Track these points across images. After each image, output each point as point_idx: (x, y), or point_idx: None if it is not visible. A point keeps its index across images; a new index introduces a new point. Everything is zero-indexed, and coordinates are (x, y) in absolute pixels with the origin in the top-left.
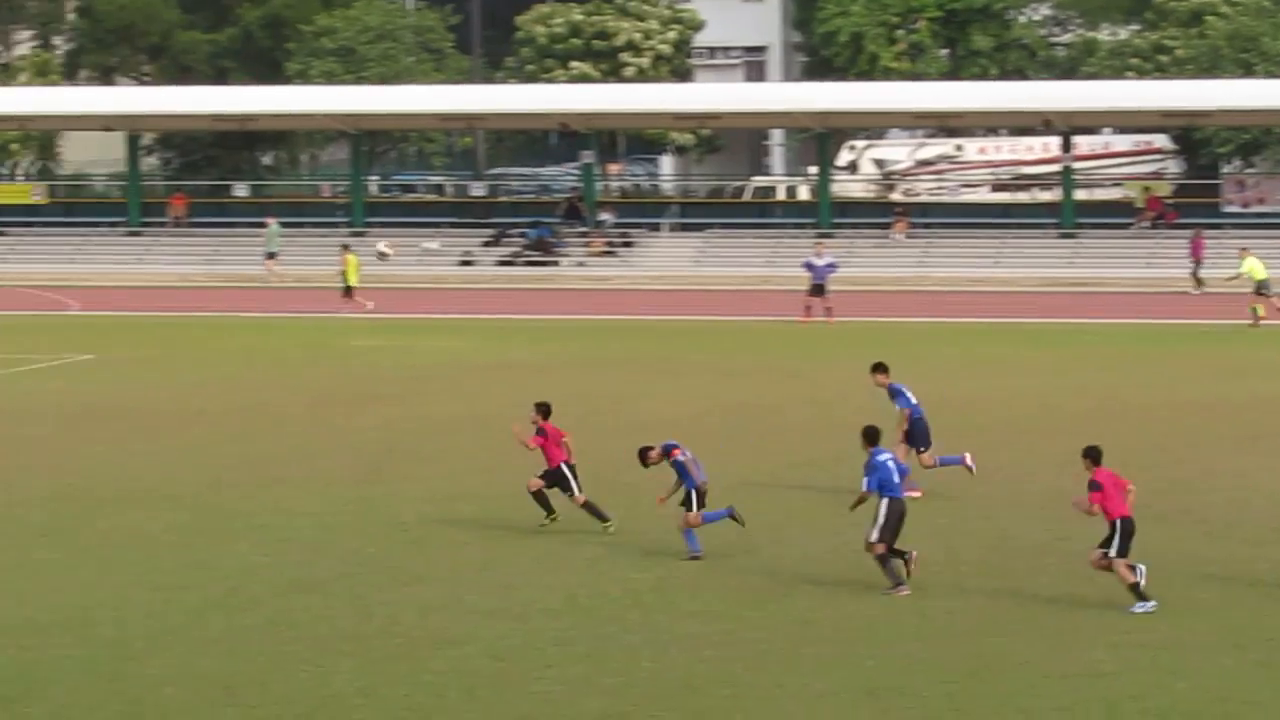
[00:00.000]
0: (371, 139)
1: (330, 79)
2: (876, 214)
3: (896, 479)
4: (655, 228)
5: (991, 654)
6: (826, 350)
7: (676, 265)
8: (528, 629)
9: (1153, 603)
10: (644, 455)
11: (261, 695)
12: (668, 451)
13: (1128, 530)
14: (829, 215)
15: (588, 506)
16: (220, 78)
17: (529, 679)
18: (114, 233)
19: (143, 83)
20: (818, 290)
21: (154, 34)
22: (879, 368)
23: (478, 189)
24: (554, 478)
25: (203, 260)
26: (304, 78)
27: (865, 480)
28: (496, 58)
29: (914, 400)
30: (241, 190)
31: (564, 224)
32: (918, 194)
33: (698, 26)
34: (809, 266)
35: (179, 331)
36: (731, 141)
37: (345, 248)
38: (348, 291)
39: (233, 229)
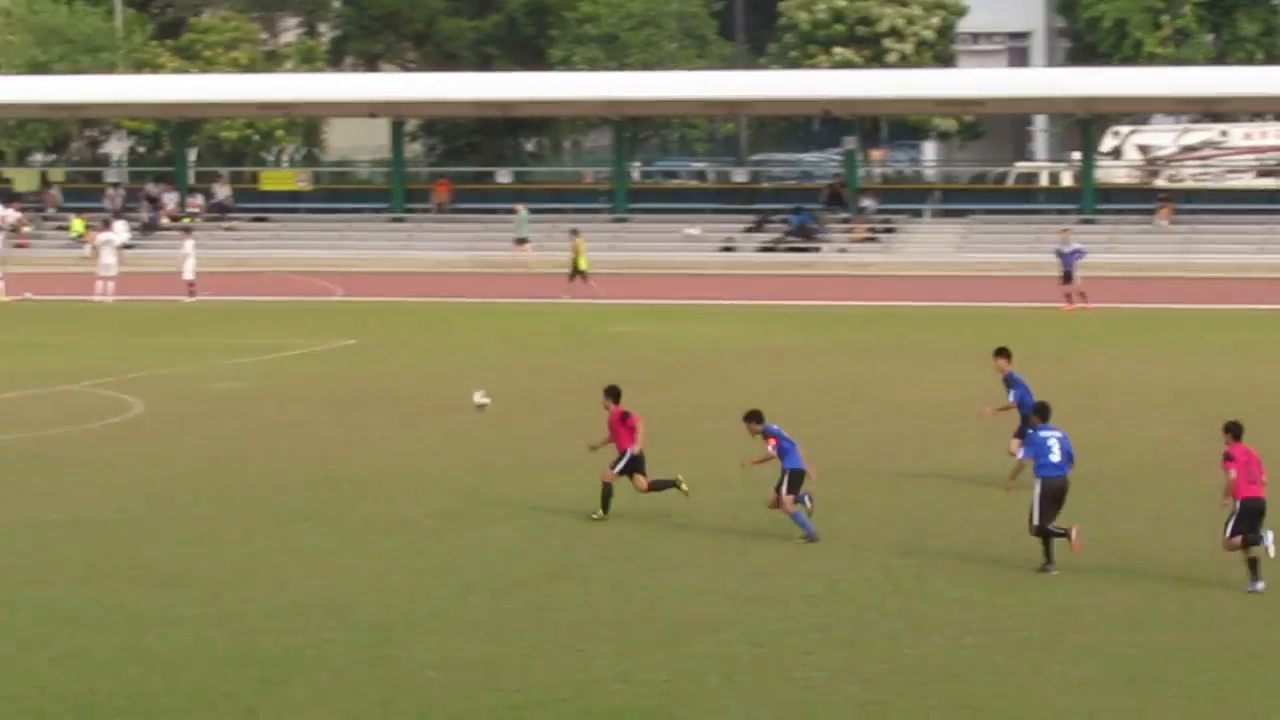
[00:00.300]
0: (634, 125)
1: (593, 65)
2: (1140, 200)
3: (1055, 457)
4: (917, 214)
5: (1256, 644)
6: (1090, 336)
7: (938, 252)
8: (788, 615)
9: (1261, 583)
10: (749, 420)
11: (522, 679)
12: (767, 435)
13: (1247, 510)
14: (1093, 201)
15: (654, 484)
16: (484, 64)
17: (789, 665)
18: (378, 219)
19: (407, 69)
20: (1067, 278)
21: (418, 21)
22: (1001, 352)
23: (740, 175)
24: (628, 465)
25: (465, 246)
26: (567, 64)
27: (1021, 449)
28: (759, 44)
29: (1030, 390)
30: (504, 177)
31: (826, 210)
32: (1182, 180)
33: (961, 12)
34: (1058, 254)
35: (441, 317)
36: (994, 127)
37: (574, 232)
38: (579, 276)
39: (495, 215)
